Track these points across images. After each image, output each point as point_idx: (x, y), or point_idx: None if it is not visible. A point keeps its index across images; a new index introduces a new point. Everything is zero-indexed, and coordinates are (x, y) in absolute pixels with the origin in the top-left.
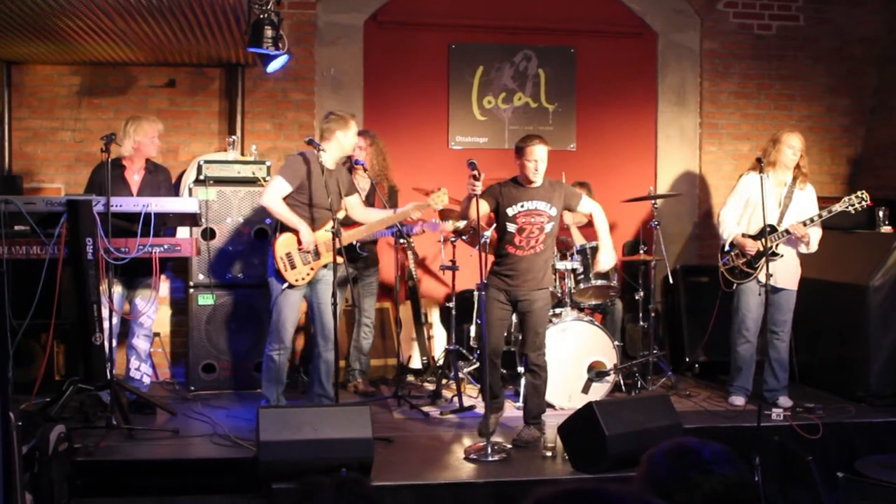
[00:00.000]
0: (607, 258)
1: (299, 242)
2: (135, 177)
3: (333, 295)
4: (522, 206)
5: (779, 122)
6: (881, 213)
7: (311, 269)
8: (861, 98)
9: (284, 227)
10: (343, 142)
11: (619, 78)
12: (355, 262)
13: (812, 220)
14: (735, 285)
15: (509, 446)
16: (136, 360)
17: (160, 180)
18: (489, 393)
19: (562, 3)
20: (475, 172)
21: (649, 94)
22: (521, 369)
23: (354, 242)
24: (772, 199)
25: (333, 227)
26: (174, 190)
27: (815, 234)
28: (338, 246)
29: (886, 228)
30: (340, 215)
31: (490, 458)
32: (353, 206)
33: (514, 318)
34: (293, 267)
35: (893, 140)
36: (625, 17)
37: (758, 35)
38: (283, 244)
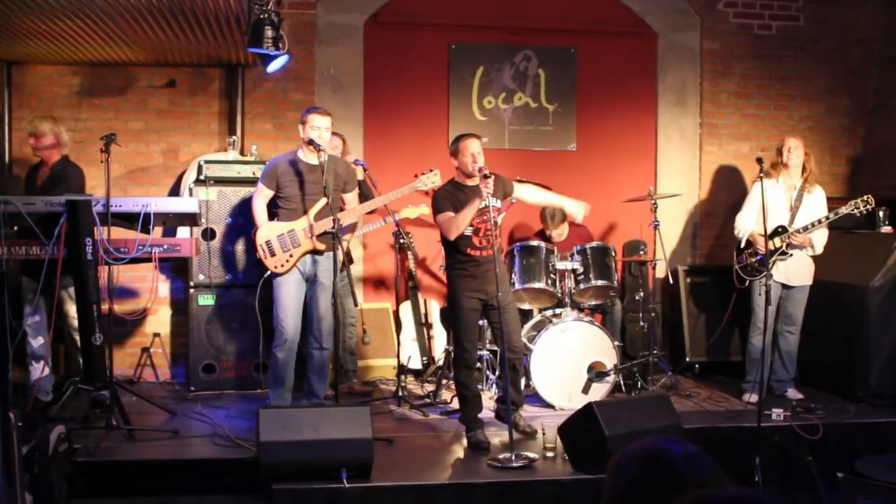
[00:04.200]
0: (577, 207)
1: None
2: (42, 176)
3: (334, 295)
4: None
5: (779, 122)
6: (881, 214)
7: (290, 255)
8: (861, 98)
9: None
10: (302, 135)
11: (620, 78)
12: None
13: (813, 225)
14: (748, 282)
15: (534, 456)
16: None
17: (64, 178)
18: (477, 403)
19: (562, 3)
20: (486, 172)
21: (649, 95)
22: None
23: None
24: (784, 203)
25: (333, 228)
26: (69, 187)
27: (819, 238)
28: (338, 248)
29: (886, 229)
30: (321, 203)
31: (515, 465)
32: (348, 201)
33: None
34: (272, 254)
35: (893, 140)
36: (625, 18)
37: (758, 35)
38: (262, 234)
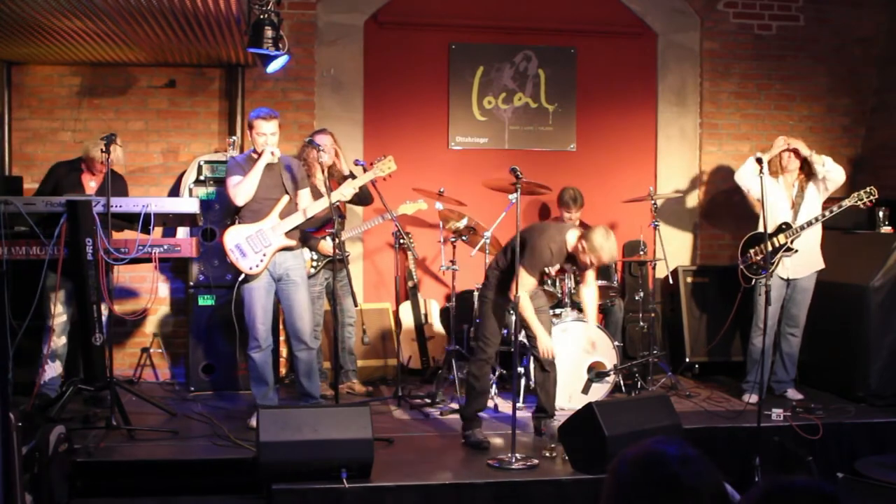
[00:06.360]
0: (547, 342)
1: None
2: (91, 183)
3: (334, 295)
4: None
5: (779, 122)
6: (881, 214)
7: (264, 254)
8: (861, 98)
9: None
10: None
11: (620, 78)
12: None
13: (816, 220)
14: (753, 281)
15: (535, 461)
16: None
17: (116, 189)
18: (482, 400)
19: (562, 3)
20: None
21: (649, 95)
22: (520, 369)
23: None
24: (785, 200)
25: (333, 228)
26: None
27: (829, 164)
28: (338, 252)
29: (886, 228)
30: (284, 200)
31: (515, 467)
32: (302, 197)
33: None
34: (244, 256)
35: (893, 140)
36: (625, 18)
37: (758, 35)
38: (230, 238)
